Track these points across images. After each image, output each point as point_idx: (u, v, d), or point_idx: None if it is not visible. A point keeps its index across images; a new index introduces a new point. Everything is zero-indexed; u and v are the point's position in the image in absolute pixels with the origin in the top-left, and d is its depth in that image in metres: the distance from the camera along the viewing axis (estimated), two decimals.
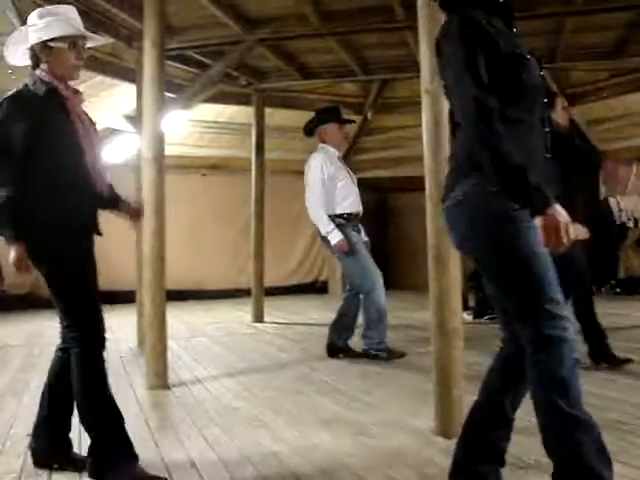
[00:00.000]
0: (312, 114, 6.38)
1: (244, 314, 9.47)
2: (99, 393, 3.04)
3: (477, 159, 2.30)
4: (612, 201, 11.91)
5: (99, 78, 8.30)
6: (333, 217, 5.86)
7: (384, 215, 14.57)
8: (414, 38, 6.85)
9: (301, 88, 10.22)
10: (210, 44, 7.57)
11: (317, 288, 13.35)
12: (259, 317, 8.99)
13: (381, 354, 5.78)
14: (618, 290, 11.63)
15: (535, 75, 2.46)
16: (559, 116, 5.12)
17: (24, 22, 3.42)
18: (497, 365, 2.60)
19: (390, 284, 13.90)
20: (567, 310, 2.49)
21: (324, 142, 6.14)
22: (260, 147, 9.32)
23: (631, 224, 12.00)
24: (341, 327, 6.11)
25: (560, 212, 2.22)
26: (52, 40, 3.02)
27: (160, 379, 4.92)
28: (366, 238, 6.17)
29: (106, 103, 9.33)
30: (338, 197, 5.94)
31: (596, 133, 10.37)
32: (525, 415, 2.59)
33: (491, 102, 2.26)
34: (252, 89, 9.29)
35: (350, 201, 6.00)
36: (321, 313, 9.62)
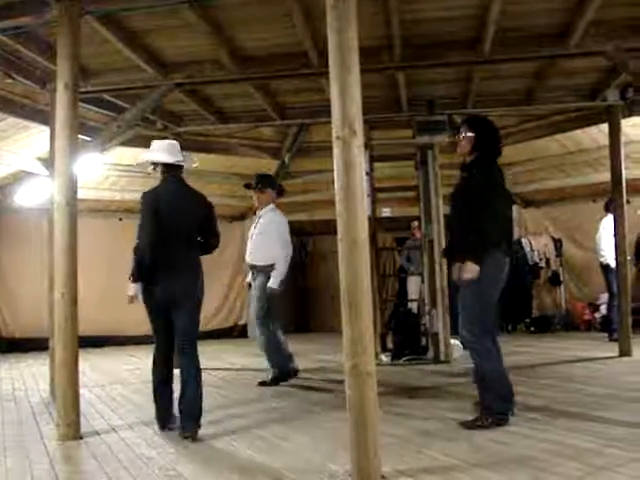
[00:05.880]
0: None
1: None
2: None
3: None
4: (524, 241, 12.27)
5: (13, 120, 8.14)
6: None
7: (303, 258, 14.62)
8: (328, 84, 6.96)
9: (219, 132, 10.23)
10: (126, 88, 7.51)
11: (236, 332, 13.25)
12: (178, 363, 8.77)
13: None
14: (532, 328, 11.93)
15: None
16: None
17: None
18: None
19: (309, 327, 14.04)
20: None
21: (265, 202, 7.28)
22: None
23: (543, 264, 12.37)
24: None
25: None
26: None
27: (72, 429, 4.76)
28: None
29: (21, 145, 9.15)
30: None
31: (507, 176, 10.70)
32: None
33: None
34: (169, 133, 9.22)
35: None
36: (240, 358, 9.54)
